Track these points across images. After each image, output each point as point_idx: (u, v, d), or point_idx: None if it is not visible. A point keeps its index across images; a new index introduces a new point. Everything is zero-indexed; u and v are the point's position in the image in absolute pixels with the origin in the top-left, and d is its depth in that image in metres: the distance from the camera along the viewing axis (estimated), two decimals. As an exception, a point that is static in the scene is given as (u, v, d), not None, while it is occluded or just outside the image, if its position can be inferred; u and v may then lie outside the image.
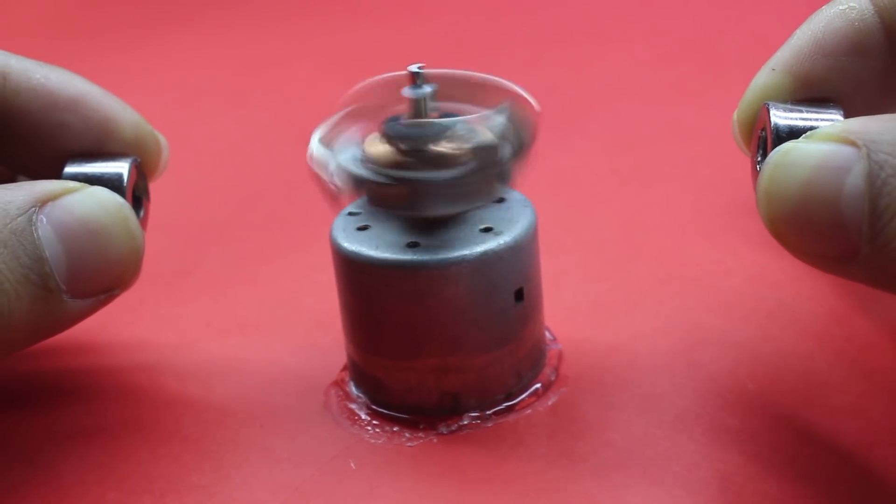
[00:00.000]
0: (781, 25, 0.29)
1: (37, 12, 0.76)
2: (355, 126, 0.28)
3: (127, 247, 0.27)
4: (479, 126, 0.27)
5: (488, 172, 0.27)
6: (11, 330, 0.25)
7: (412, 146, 0.27)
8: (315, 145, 0.27)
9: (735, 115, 0.28)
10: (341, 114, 0.28)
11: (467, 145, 0.27)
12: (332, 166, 0.27)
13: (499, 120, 0.27)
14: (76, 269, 0.26)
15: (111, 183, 0.28)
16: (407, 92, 0.27)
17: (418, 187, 0.26)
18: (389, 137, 0.27)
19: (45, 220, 0.25)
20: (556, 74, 0.56)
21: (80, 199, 0.26)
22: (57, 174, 0.28)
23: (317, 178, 0.27)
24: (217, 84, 0.60)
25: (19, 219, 0.25)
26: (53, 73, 0.29)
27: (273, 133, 0.51)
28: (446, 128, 0.27)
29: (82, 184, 0.27)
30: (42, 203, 0.26)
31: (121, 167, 0.29)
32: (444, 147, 0.27)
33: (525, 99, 0.28)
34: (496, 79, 0.28)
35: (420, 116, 0.27)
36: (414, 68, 0.27)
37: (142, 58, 0.65)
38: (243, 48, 0.66)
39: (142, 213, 0.30)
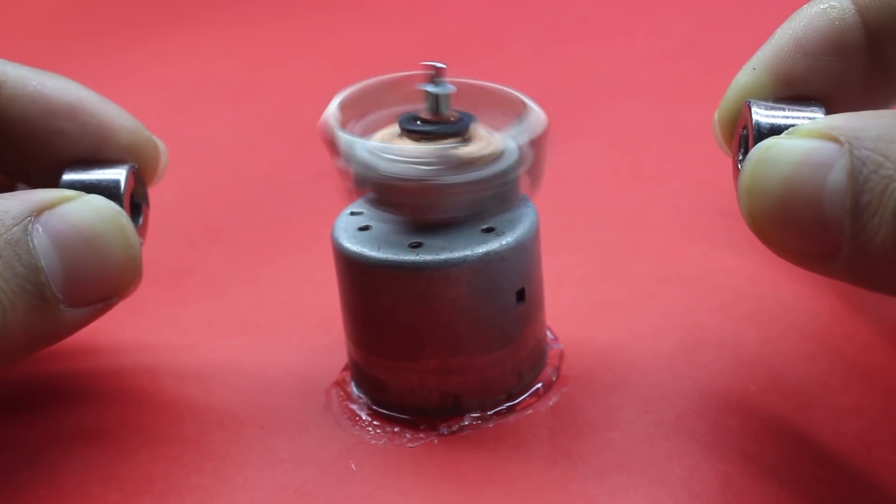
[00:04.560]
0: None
1: (37, 11, 0.76)
2: (363, 119, 0.28)
3: (124, 255, 0.27)
4: (501, 132, 0.27)
5: (510, 178, 0.27)
6: (8, 340, 0.25)
7: (441, 145, 0.26)
8: (332, 112, 0.27)
9: (716, 115, 0.28)
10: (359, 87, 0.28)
11: (495, 148, 0.27)
12: (349, 150, 0.27)
13: (522, 127, 0.27)
14: (72, 278, 0.26)
15: (108, 190, 0.28)
16: (430, 88, 0.27)
17: (443, 188, 0.26)
18: (417, 134, 0.27)
19: (40, 229, 0.25)
20: (557, 73, 0.56)
21: (76, 208, 0.26)
22: (55, 181, 0.28)
23: (331, 151, 0.27)
24: (218, 82, 0.60)
25: (14, 228, 0.25)
26: (50, 80, 0.29)
27: (274, 132, 0.51)
28: (472, 129, 0.27)
29: (78, 192, 0.27)
30: (38, 212, 0.25)
31: (118, 174, 0.29)
32: (472, 149, 0.27)
33: (536, 111, 0.28)
34: (509, 90, 0.28)
35: (439, 114, 0.27)
36: (435, 64, 0.27)
37: (142, 56, 0.65)
38: (244, 46, 0.66)
39: (141, 220, 0.30)
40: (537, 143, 0.27)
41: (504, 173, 0.27)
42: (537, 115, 0.28)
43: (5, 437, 0.29)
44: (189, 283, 0.37)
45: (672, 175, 0.42)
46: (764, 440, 0.27)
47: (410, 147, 0.27)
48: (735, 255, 0.35)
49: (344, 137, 0.27)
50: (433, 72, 0.27)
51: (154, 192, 0.31)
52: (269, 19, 0.70)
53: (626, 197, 0.41)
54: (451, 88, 0.27)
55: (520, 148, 0.27)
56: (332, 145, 0.27)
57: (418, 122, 0.27)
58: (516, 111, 0.28)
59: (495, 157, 0.27)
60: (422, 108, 0.27)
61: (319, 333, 0.33)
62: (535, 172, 0.27)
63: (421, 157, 0.26)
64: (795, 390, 0.29)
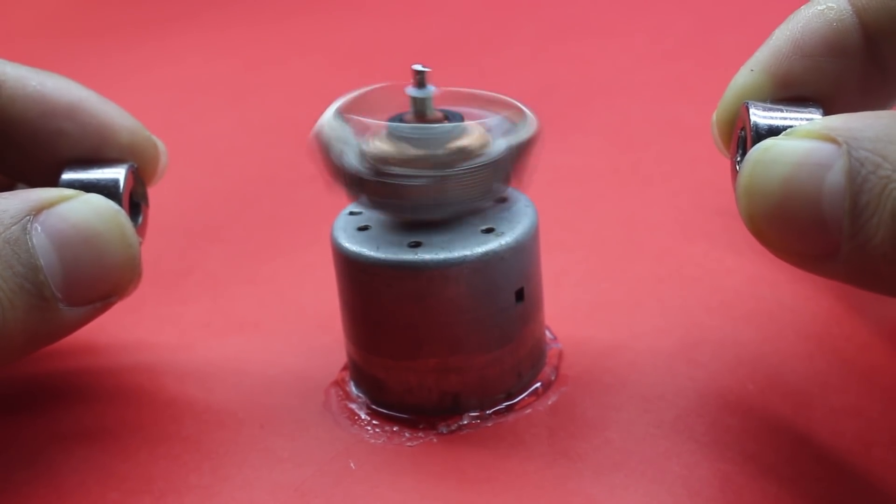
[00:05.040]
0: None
1: (37, 11, 0.76)
2: (357, 123, 0.28)
3: (123, 254, 0.27)
4: (482, 127, 0.27)
5: (492, 171, 0.27)
6: (7, 339, 0.25)
7: (421, 146, 0.27)
8: (328, 122, 0.27)
9: (714, 116, 0.28)
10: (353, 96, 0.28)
11: (474, 144, 0.27)
12: (343, 151, 0.27)
13: (501, 121, 0.27)
14: (71, 277, 0.26)
15: (107, 189, 0.28)
16: (411, 91, 0.27)
17: (426, 186, 0.26)
18: (397, 137, 0.27)
19: (39, 228, 0.25)
20: (557, 71, 0.56)
21: (75, 207, 0.26)
22: (55, 181, 0.28)
23: (322, 158, 0.27)
24: (217, 82, 0.60)
25: (13, 227, 0.25)
26: (50, 80, 0.29)
27: (273, 131, 0.51)
28: (454, 128, 0.27)
29: (77, 191, 0.27)
30: (37, 211, 0.25)
31: (117, 173, 0.29)
32: (452, 146, 0.27)
33: (525, 111, 0.28)
34: (497, 95, 0.28)
35: (423, 116, 0.27)
36: (418, 67, 0.27)
37: (142, 55, 0.65)
38: (243, 45, 0.66)
39: (140, 220, 0.30)
40: (526, 142, 0.27)
41: (491, 165, 0.27)
42: (526, 115, 0.28)
43: (5, 437, 0.29)
44: (188, 283, 0.37)
45: (672, 175, 0.42)
46: (763, 439, 0.27)
47: (390, 148, 0.27)
48: (735, 255, 0.35)
49: (336, 145, 0.27)
50: (415, 75, 0.27)
51: (154, 192, 0.31)
52: (269, 19, 0.70)
53: (626, 196, 0.41)
54: (431, 90, 0.27)
55: (508, 145, 0.27)
56: (325, 155, 0.27)
57: (408, 125, 0.27)
58: (506, 111, 0.28)
59: (482, 150, 0.27)
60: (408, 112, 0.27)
61: (318, 333, 0.33)
62: (522, 168, 0.27)
63: (401, 158, 0.26)
64: (794, 390, 0.29)
